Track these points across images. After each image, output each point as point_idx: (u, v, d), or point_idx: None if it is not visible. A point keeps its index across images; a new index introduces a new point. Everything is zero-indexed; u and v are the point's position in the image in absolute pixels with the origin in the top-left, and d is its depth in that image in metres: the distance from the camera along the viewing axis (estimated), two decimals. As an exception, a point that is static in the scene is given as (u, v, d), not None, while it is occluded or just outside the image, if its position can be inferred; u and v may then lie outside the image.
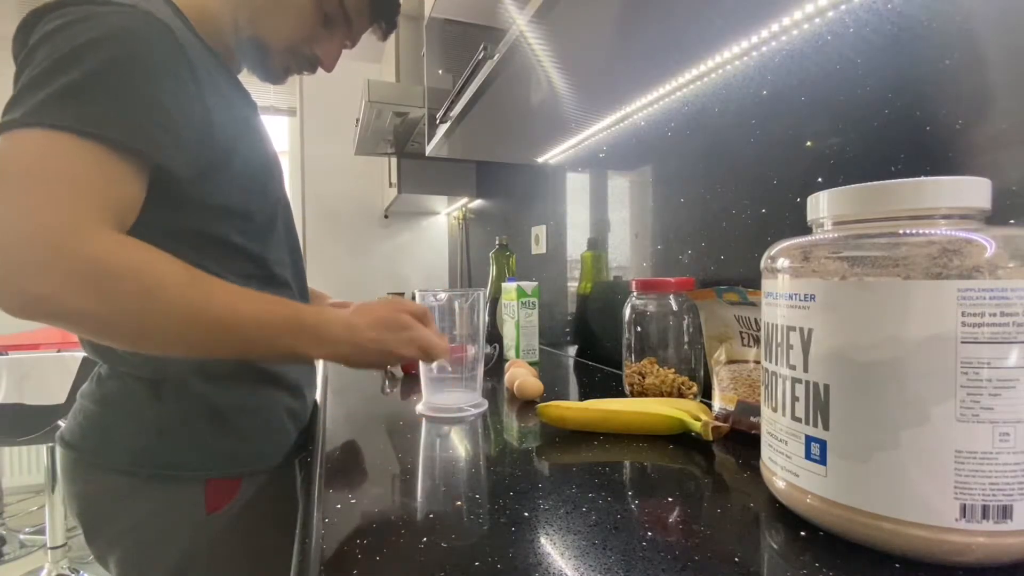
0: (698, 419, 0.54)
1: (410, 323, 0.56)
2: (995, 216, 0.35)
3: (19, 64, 0.46)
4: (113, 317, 0.43)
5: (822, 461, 0.34)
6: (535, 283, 1.05)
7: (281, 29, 0.63)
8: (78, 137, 0.43)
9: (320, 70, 0.70)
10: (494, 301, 1.19)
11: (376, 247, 2.53)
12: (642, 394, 0.70)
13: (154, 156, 0.47)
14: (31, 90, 0.43)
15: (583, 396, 0.78)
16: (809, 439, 0.35)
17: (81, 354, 1.60)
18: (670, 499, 0.42)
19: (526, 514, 0.39)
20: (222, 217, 0.57)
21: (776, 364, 0.38)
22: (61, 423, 1.63)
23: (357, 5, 0.66)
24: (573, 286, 1.22)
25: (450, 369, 0.70)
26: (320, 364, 1.11)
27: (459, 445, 0.57)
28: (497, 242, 1.26)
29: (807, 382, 0.35)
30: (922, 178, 0.33)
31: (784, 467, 0.37)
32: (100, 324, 0.44)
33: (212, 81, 0.55)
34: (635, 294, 0.74)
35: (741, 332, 0.59)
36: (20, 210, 0.41)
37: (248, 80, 0.68)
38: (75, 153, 0.43)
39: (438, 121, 1.12)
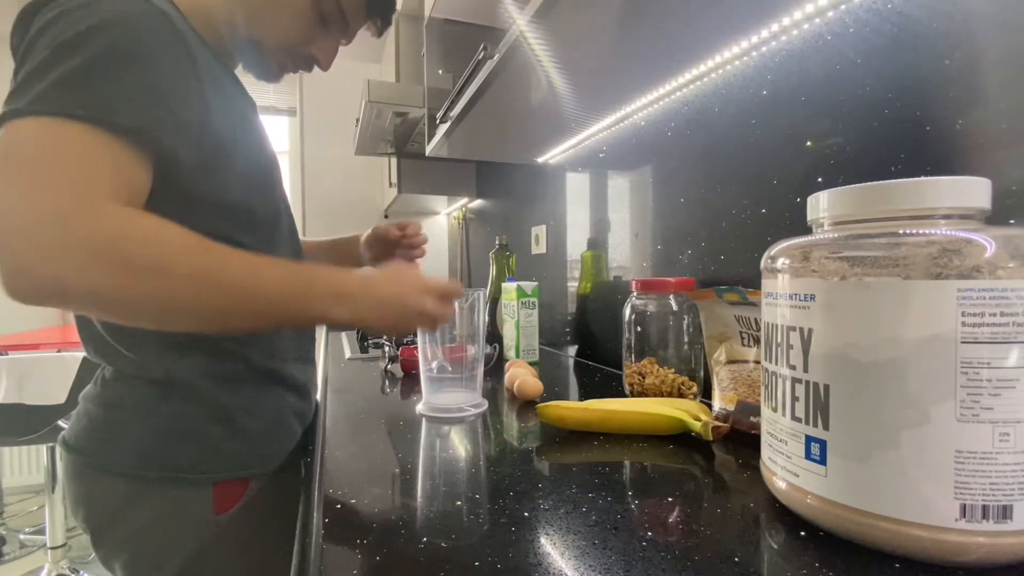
0: (698, 419, 0.54)
1: (422, 275, 0.56)
2: (995, 216, 0.35)
3: (19, 56, 0.46)
4: (130, 291, 0.42)
5: (822, 461, 0.34)
6: (535, 283, 1.05)
7: (278, 29, 0.62)
8: (81, 123, 0.43)
9: (316, 68, 0.70)
10: (494, 301, 1.19)
11: (376, 247, 2.52)
12: (642, 394, 0.70)
13: (155, 139, 0.47)
14: (33, 79, 0.43)
15: (583, 396, 0.78)
16: (809, 439, 0.35)
17: (81, 354, 1.59)
18: (670, 499, 0.42)
19: (526, 514, 0.39)
20: (225, 215, 0.57)
21: (776, 364, 0.38)
22: (61, 423, 1.63)
23: (354, 5, 0.65)
24: (573, 286, 1.22)
25: (450, 369, 0.70)
26: (321, 362, 1.11)
27: (459, 445, 0.57)
28: (497, 242, 1.26)
29: (807, 382, 0.35)
30: (922, 178, 0.33)
31: (784, 467, 0.37)
32: (118, 300, 0.42)
33: (211, 74, 0.55)
34: (635, 294, 0.74)
35: (741, 332, 0.59)
36: (28, 195, 0.41)
37: (247, 79, 0.68)
38: (80, 139, 0.43)
39: (438, 121, 1.12)
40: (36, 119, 0.42)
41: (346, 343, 1.43)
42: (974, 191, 0.32)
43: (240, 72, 0.68)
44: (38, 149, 0.42)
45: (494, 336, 1.15)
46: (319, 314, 0.49)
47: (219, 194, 0.55)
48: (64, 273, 0.40)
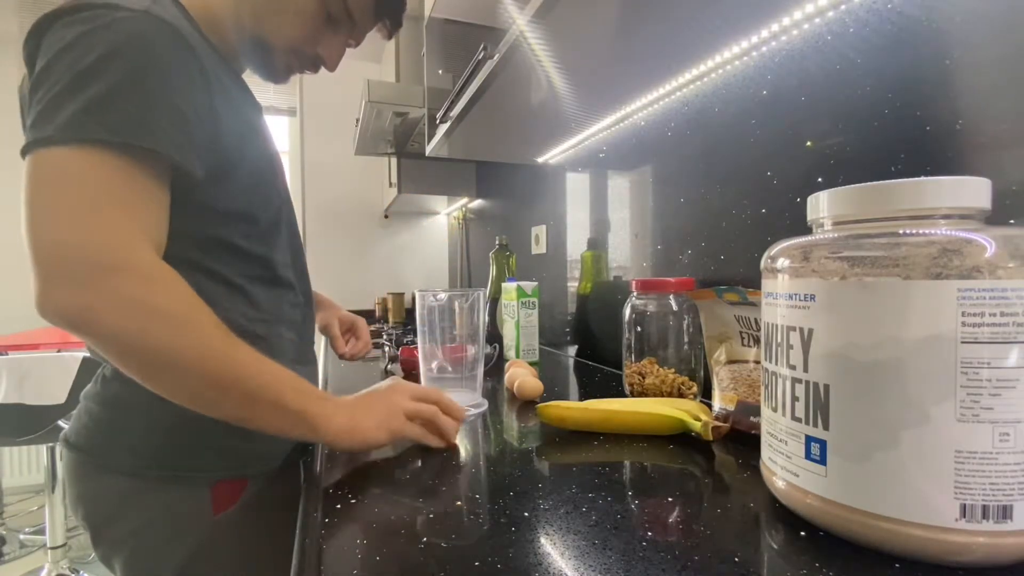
0: (698, 419, 0.54)
1: (410, 386, 0.56)
2: (995, 216, 0.35)
3: (36, 75, 0.46)
4: (144, 342, 0.43)
5: (822, 461, 0.34)
6: (535, 283, 1.05)
7: (284, 29, 0.62)
8: (109, 150, 0.44)
9: (322, 69, 0.70)
10: (494, 301, 1.19)
11: (376, 247, 2.53)
12: (642, 394, 0.70)
13: (177, 160, 0.48)
14: (57, 105, 0.43)
15: (583, 396, 0.78)
16: (809, 439, 0.35)
17: (81, 354, 1.59)
18: (670, 499, 0.42)
19: (526, 514, 0.39)
20: (227, 221, 0.57)
21: (776, 364, 0.38)
22: (61, 423, 1.63)
23: (361, 5, 0.65)
24: (573, 286, 1.22)
25: (450, 369, 0.70)
26: (321, 362, 1.11)
27: (459, 445, 0.57)
28: (497, 242, 1.26)
29: (807, 382, 0.35)
30: (922, 178, 0.33)
31: (784, 467, 0.37)
32: (129, 347, 0.44)
33: (220, 84, 0.55)
34: (635, 294, 0.74)
35: (741, 332, 0.59)
36: (67, 226, 0.42)
37: (248, 79, 0.68)
38: (111, 168, 0.44)
39: (438, 121, 1.12)
40: (65, 148, 0.43)
41: (346, 343, 1.43)
42: (974, 191, 0.32)
43: (246, 73, 0.68)
44: (70, 178, 0.43)
45: (494, 336, 1.15)
46: (312, 412, 0.49)
47: (222, 202, 0.56)
48: (90, 309, 0.42)
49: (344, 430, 0.49)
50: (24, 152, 0.44)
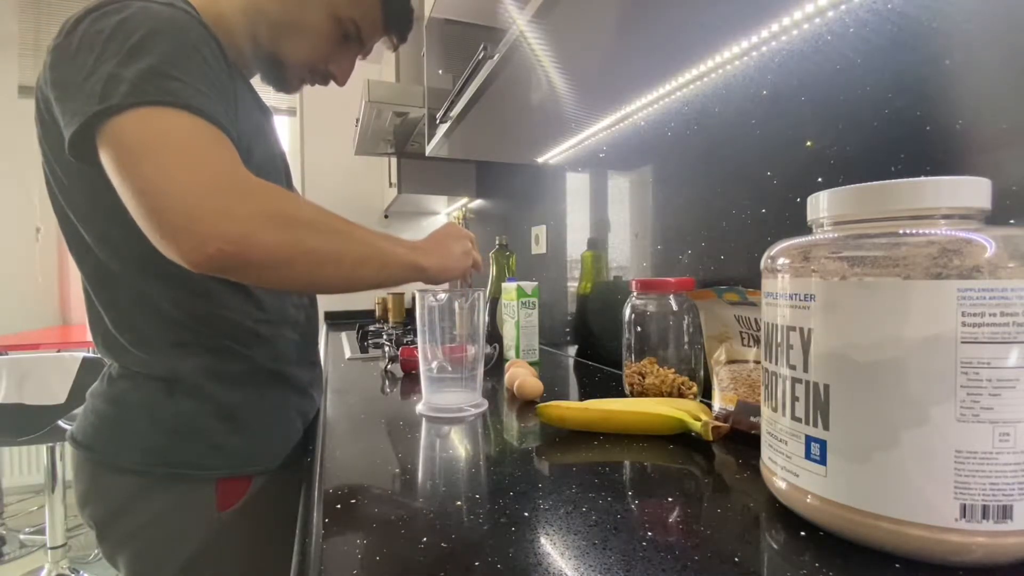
0: (698, 419, 0.54)
1: (465, 234, 0.70)
2: (995, 216, 0.35)
3: (82, 54, 0.46)
4: (300, 246, 0.47)
5: (822, 461, 0.34)
6: (535, 283, 1.05)
7: (300, 48, 0.64)
8: (185, 111, 0.45)
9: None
10: (494, 301, 1.19)
11: (376, 247, 2.52)
12: (642, 394, 0.70)
13: (225, 127, 0.48)
14: (117, 77, 0.44)
15: (583, 396, 0.78)
16: (809, 439, 0.35)
17: (81, 354, 1.59)
18: (670, 499, 0.42)
19: (526, 514, 0.39)
20: None
21: (776, 364, 0.38)
22: (61, 423, 1.62)
23: (371, 24, 0.67)
24: (573, 286, 1.22)
25: (450, 369, 0.70)
26: (322, 361, 1.11)
27: (459, 445, 0.57)
28: (497, 242, 1.26)
29: (807, 382, 0.35)
30: (922, 178, 0.33)
31: (784, 467, 0.37)
32: (290, 256, 0.46)
33: (235, 85, 0.56)
34: (635, 294, 0.74)
35: (741, 332, 0.59)
36: (182, 169, 0.43)
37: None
38: (190, 123, 0.45)
39: (438, 121, 1.12)
40: (140, 109, 0.44)
41: (346, 343, 1.43)
42: (974, 191, 0.32)
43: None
44: (164, 133, 0.44)
45: (494, 336, 1.15)
46: (415, 260, 0.59)
47: None
48: (244, 233, 0.43)
49: (439, 268, 0.62)
50: (89, 127, 0.44)
